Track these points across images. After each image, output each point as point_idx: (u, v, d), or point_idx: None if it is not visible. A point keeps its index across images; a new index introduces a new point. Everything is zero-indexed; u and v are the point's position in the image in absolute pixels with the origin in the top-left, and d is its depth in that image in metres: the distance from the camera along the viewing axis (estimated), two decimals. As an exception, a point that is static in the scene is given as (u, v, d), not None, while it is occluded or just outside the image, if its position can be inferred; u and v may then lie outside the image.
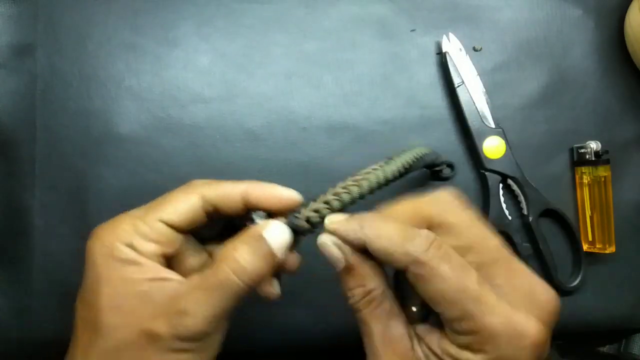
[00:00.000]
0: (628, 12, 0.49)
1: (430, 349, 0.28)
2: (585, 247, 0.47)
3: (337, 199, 0.32)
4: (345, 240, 0.29)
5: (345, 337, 0.45)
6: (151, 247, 0.30)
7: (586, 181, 0.47)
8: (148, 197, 0.44)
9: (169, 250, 0.30)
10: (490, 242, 0.29)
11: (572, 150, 0.48)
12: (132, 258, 0.29)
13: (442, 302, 0.26)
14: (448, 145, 0.47)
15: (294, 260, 0.33)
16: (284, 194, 0.31)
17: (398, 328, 0.29)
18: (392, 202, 0.31)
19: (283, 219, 0.31)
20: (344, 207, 0.32)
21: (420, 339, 0.29)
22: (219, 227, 0.34)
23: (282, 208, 0.31)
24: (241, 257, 0.28)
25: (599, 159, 0.47)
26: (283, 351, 0.46)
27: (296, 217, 0.31)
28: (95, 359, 0.28)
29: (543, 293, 0.28)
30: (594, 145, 0.47)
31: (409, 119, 0.47)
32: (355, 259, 0.29)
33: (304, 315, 0.45)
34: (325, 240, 0.30)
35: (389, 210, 0.30)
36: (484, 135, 0.46)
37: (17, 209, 0.43)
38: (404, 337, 0.29)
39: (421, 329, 0.29)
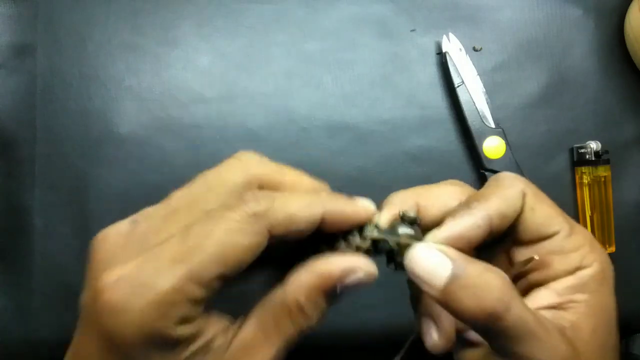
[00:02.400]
0: (628, 12, 0.49)
1: (551, 307, 0.25)
2: (585, 247, 0.47)
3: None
4: (468, 237, 0.24)
5: (345, 337, 0.45)
6: (202, 309, 0.21)
7: (586, 181, 0.47)
8: (148, 197, 0.44)
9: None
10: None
11: (572, 150, 0.48)
12: (187, 336, 0.21)
13: (555, 223, 0.25)
14: (448, 145, 0.47)
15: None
16: (369, 210, 0.26)
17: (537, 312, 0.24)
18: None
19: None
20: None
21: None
22: None
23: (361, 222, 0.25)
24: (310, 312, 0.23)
25: (599, 159, 0.47)
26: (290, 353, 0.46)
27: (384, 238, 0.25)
28: None
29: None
30: (594, 145, 0.47)
31: (409, 119, 0.47)
32: (460, 254, 0.23)
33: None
34: (425, 246, 0.23)
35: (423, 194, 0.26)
36: (484, 135, 0.46)
37: (17, 209, 0.43)
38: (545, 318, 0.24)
39: (528, 302, 0.24)
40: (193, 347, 0.21)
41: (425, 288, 0.23)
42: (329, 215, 0.24)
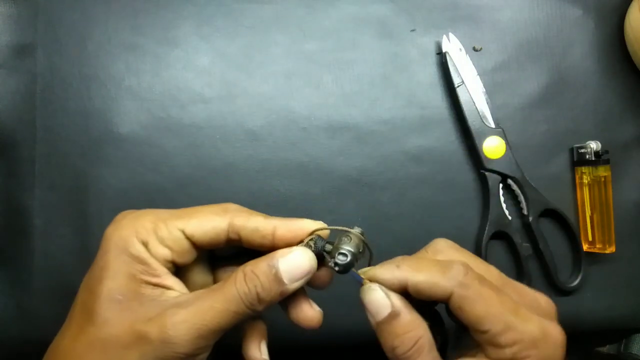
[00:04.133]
0: (628, 12, 0.49)
1: None
2: (585, 247, 0.47)
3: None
4: (385, 283, 0.29)
5: (345, 337, 0.45)
6: (164, 252, 0.30)
7: (586, 181, 0.47)
8: (148, 197, 0.45)
9: (180, 260, 0.30)
10: (493, 271, 0.30)
11: (572, 150, 0.48)
12: (143, 257, 0.29)
13: (488, 319, 0.27)
14: (448, 145, 0.47)
15: (325, 276, 0.32)
16: (310, 226, 0.30)
17: None
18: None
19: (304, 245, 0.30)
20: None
21: None
22: (234, 249, 0.33)
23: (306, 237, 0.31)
24: (251, 283, 0.29)
25: (599, 159, 0.47)
26: (283, 351, 0.46)
27: (320, 242, 0.30)
28: (82, 346, 0.28)
29: (545, 301, 0.30)
30: (594, 145, 0.47)
31: (409, 119, 0.47)
32: (401, 303, 0.29)
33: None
34: (374, 286, 0.29)
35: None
36: (484, 135, 0.46)
37: (17, 209, 0.44)
38: None
39: None
40: (149, 277, 0.29)
41: (368, 316, 0.29)
42: (280, 230, 0.30)
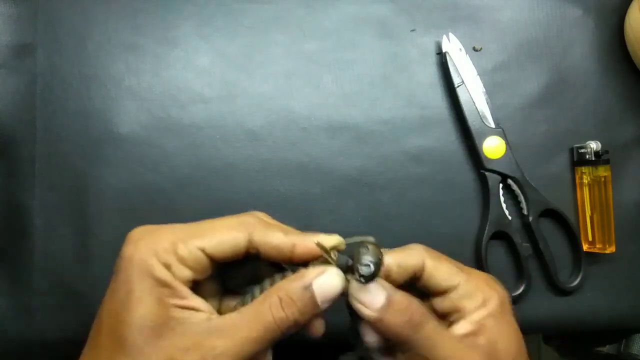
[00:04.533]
0: (628, 12, 0.49)
1: (469, 334, 0.32)
2: (585, 247, 0.47)
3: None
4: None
5: (345, 337, 0.45)
6: (186, 273, 0.29)
7: (586, 181, 0.47)
8: (148, 197, 0.45)
9: (199, 277, 0.30)
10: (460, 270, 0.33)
11: (572, 150, 0.48)
12: (169, 281, 0.28)
13: (454, 277, 0.32)
14: (448, 145, 0.47)
15: (320, 325, 0.32)
16: (328, 242, 0.30)
17: (452, 334, 0.32)
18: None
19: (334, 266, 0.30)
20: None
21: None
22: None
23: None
24: (288, 309, 0.28)
25: (599, 159, 0.47)
26: (283, 351, 0.46)
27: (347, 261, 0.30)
28: None
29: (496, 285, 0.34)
30: (594, 145, 0.47)
31: (409, 119, 0.47)
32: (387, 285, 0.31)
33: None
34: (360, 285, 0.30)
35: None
36: (484, 135, 0.46)
37: (17, 209, 0.43)
38: (461, 338, 0.32)
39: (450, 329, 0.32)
40: (176, 300, 0.28)
41: (365, 312, 0.30)
42: (299, 246, 0.30)
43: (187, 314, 0.28)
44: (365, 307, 0.30)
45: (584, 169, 0.47)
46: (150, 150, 0.45)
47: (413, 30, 0.48)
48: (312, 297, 0.29)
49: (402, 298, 0.30)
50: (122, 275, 0.28)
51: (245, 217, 0.31)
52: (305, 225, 0.45)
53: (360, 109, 0.47)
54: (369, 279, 0.29)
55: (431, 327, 0.30)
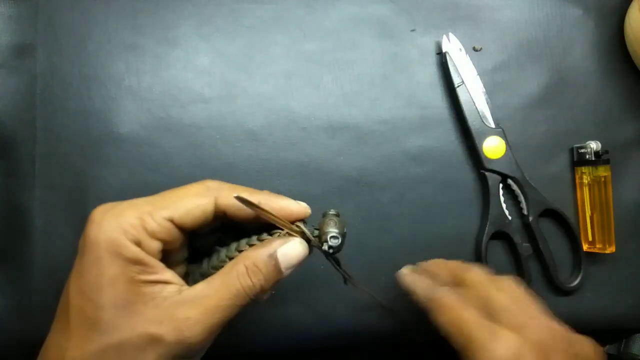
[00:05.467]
0: (628, 12, 0.49)
1: None
2: (585, 247, 0.47)
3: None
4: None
5: (345, 337, 0.45)
6: (156, 245, 0.29)
7: (586, 181, 0.47)
8: (148, 197, 0.45)
9: (170, 248, 0.30)
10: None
11: (572, 150, 0.48)
12: (140, 258, 0.28)
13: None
14: (448, 145, 0.47)
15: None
16: (295, 209, 0.31)
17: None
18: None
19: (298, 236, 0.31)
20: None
21: None
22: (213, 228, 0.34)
23: (291, 219, 0.32)
24: (255, 277, 0.29)
25: (599, 159, 0.47)
26: (283, 351, 0.46)
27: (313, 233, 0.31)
28: (93, 354, 0.28)
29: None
30: (594, 145, 0.47)
31: (409, 119, 0.47)
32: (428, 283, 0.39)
33: (303, 315, 0.45)
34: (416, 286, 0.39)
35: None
36: (484, 135, 0.46)
37: (17, 209, 0.43)
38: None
39: None
40: (147, 276, 0.28)
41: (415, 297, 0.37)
42: (264, 205, 0.30)
43: (158, 287, 0.29)
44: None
45: (584, 169, 0.47)
46: (150, 150, 0.45)
47: (413, 30, 0.48)
48: (277, 265, 0.30)
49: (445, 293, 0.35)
50: (90, 256, 0.28)
51: (208, 182, 0.31)
52: (306, 225, 0.45)
53: (360, 109, 0.47)
54: (336, 250, 0.31)
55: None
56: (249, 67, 0.46)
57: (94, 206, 0.44)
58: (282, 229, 0.31)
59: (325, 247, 0.31)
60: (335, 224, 0.31)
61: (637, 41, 0.47)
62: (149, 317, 0.28)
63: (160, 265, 0.29)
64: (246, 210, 0.30)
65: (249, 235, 0.32)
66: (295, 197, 0.46)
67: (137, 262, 0.28)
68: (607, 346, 0.51)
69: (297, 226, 0.31)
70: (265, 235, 0.31)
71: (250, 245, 0.31)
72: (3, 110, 0.44)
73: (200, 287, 0.29)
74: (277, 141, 0.46)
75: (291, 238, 0.31)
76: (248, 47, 0.47)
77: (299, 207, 0.32)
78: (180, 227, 0.30)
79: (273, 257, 0.30)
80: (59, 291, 0.43)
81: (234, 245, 0.32)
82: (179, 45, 0.46)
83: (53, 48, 0.45)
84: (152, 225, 0.29)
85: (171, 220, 0.29)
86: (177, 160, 0.45)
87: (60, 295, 0.43)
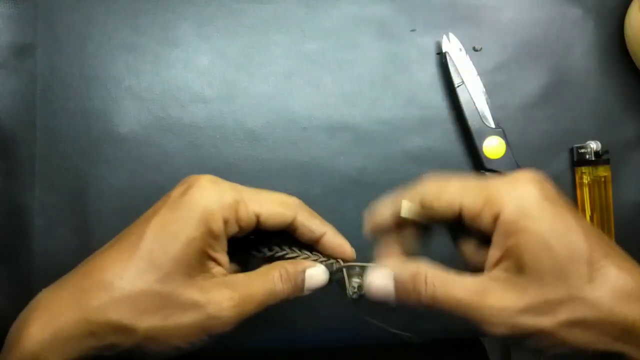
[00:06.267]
0: (628, 12, 0.49)
1: (501, 259, 0.30)
2: (585, 247, 0.47)
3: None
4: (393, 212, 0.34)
5: (345, 337, 0.45)
6: (235, 230, 0.32)
7: (586, 181, 0.47)
8: (148, 197, 0.44)
9: (239, 235, 0.33)
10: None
11: (572, 150, 0.48)
12: (219, 235, 0.31)
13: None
14: (448, 145, 0.47)
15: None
16: (348, 252, 0.34)
17: (465, 279, 0.30)
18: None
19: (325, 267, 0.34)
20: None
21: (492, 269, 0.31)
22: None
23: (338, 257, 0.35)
24: (287, 284, 0.33)
25: (599, 159, 0.47)
26: (283, 351, 0.46)
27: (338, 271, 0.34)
28: (141, 296, 0.29)
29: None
30: (594, 145, 0.47)
31: (409, 119, 0.47)
32: (395, 264, 0.33)
33: (303, 315, 0.45)
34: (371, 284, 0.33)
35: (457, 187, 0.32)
36: (484, 135, 0.46)
37: (17, 209, 0.43)
38: (476, 277, 0.30)
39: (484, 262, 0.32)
40: (214, 252, 0.31)
41: (384, 299, 0.32)
42: (328, 238, 0.35)
43: (212, 264, 0.31)
44: (382, 295, 0.32)
45: (584, 169, 0.47)
46: (150, 150, 0.45)
47: (413, 30, 0.48)
48: (302, 281, 0.33)
49: (409, 277, 0.31)
50: (184, 212, 0.31)
51: (296, 199, 0.34)
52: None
53: (360, 109, 0.47)
54: (357, 299, 0.34)
55: (437, 285, 0.30)
56: (249, 67, 0.46)
57: (94, 206, 0.44)
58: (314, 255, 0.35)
59: (349, 292, 0.33)
60: (357, 273, 0.34)
61: (637, 41, 0.47)
62: (198, 285, 0.30)
63: (225, 247, 0.32)
64: (313, 234, 0.34)
65: (280, 245, 0.35)
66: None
67: (216, 237, 0.31)
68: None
69: (336, 262, 0.34)
70: (296, 251, 0.35)
71: (283, 256, 0.35)
72: (3, 110, 0.44)
73: (242, 277, 0.32)
74: (277, 141, 0.46)
75: (318, 264, 0.34)
76: (248, 47, 0.47)
77: (350, 251, 0.34)
78: (260, 223, 0.32)
79: (302, 275, 0.33)
80: (59, 291, 0.43)
81: (276, 249, 0.35)
82: (179, 45, 0.46)
83: (53, 48, 0.45)
84: (243, 212, 0.32)
85: (257, 216, 0.32)
86: (177, 160, 0.45)
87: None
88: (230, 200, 0.31)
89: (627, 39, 0.49)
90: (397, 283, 0.31)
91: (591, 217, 0.47)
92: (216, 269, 0.32)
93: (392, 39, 0.48)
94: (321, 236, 0.34)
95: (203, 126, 0.45)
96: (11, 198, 0.44)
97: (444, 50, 0.47)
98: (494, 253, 0.30)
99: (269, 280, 0.32)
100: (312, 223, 0.34)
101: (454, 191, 0.31)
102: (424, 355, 0.50)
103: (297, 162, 0.46)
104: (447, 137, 0.47)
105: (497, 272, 0.29)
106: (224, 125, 0.45)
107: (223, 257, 0.32)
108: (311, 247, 0.35)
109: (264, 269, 0.33)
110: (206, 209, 0.31)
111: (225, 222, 0.31)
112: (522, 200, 0.29)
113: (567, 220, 0.29)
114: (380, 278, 0.32)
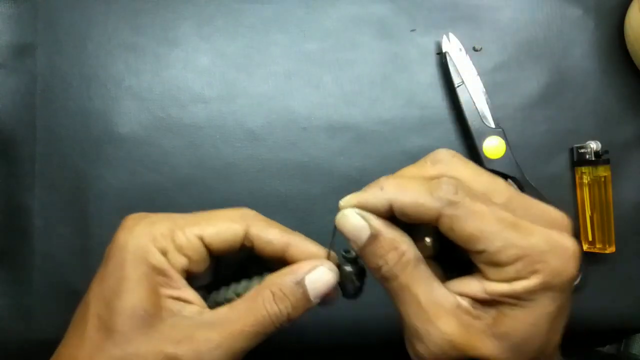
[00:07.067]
0: (628, 12, 0.49)
1: (475, 299, 0.26)
2: (585, 247, 0.47)
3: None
4: (368, 207, 0.27)
5: (345, 337, 0.45)
6: (182, 261, 0.28)
7: (586, 181, 0.47)
8: (148, 197, 0.45)
9: (195, 269, 0.29)
10: (500, 184, 0.28)
11: (572, 150, 0.48)
12: (164, 268, 0.27)
13: (483, 237, 0.25)
14: (448, 145, 0.47)
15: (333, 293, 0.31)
16: (319, 255, 0.30)
17: (440, 288, 0.27)
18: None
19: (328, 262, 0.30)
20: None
21: (459, 295, 0.27)
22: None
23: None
24: (282, 304, 0.28)
25: (599, 159, 0.47)
26: (283, 351, 0.46)
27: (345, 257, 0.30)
28: None
29: (557, 214, 0.28)
30: (594, 145, 0.47)
31: (409, 119, 0.47)
32: (380, 223, 0.27)
33: (304, 315, 0.45)
34: (348, 212, 0.28)
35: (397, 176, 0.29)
36: (484, 135, 0.46)
37: (17, 209, 0.43)
38: (449, 295, 0.27)
39: (454, 284, 0.27)
40: (170, 290, 0.28)
41: (352, 245, 0.28)
42: (293, 248, 0.30)
43: (179, 305, 0.28)
44: (348, 239, 0.28)
45: (584, 169, 0.47)
46: (150, 150, 0.45)
47: (413, 30, 0.48)
48: (305, 293, 0.28)
49: (390, 239, 0.27)
50: (115, 260, 0.27)
51: (244, 210, 0.30)
52: (306, 225, 0.45)
53: (360, 109, 0.47)
54: (358, 291, 0.30)
55: (408, 279, 0.27)
56: (249, 67, 0.46)
57: (94, 206, 0.44)
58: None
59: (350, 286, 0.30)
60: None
61: (637, 41, 0.47)
62: (167, 335, 0.27)
63: (183, 282, 0.28)
64: (274, 246, 0.29)
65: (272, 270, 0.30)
66: (295, 197, 0.46)
67: (161, 272, 0.27)
68: (607, 346, 0.51)
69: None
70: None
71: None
72: (3, 110, 0.44)
73: (224, 311, 0.28)
74: (277, 141, 0.46)
75: (318, 265, 0.29)
76: (248, 47, 0.47)
77: (324, 255, 0.30)
78: (208, 247, 0.29)
79: (301, 285, 0.28)
80: (59, 291, 0.43)
81: (256, 279, 0.30)
82: (179, 45, 0.46)
83: (53, 48, 0.45)
84: (182, 239, 0.28)
85: (201, 239, 0.28)
86: (177, 160, 0.45)
87: (60, 295, 0.44)
88: (162, 230, 0.28)
89: (627, 39, 0.49)
90: (375, 239, 0.27)
91: (591, 217, 0.47)
92: (188, 310, 0.28)
93: (392, 39, 0.48)
94: (285, 247, 0.29)
95: (203, 126, 0.45)
96: (11, 198, 0.44)
97: (444, 50, 0.47)
98: (478, 288, 0.26)
99: (257, 307, 0.28)
100: (268, 233, 0.29)
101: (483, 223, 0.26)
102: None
103: (297, 162, 0.46)
104: (447, 137, 0.47)
105: (480, 315, 0.26)
106: (224, 125, 0.45)
107: (189, 294, 0.28)
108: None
109: (253, 292, 0.29)
110: (136, 247, 0.27)
111: (164, 253, 0.28)
112: (563, 287, 0.26)
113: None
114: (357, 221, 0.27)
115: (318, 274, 0.29)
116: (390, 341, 0.47)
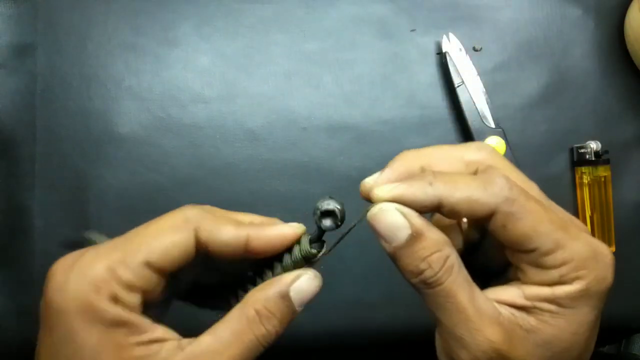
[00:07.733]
0: (628, 12, 0.49)
1: (514, 305, 0.25)
2: (585, 247, 0.47)
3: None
4: (415, 204, 0.25)
5: (345, 337, 0.45)
6: (136, 300, 0.24)
7: (586, 181, 0.47)
8: (148, 197, 0.45)
9: (151, 297, 0.25)
10: (535, 188, 0.26)
11: (572, 150, 0.48)
12: (121, 318, 0.23)
13: (535, 236, 0.24)
14: (448, 145, 0.47)
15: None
16: (289, 234, 0.27)
17: (481, 294, 0.25)
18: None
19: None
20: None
21: (498, 302, 0.25)
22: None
23: (287, 245, 0.27)
24: (269, 323, 0.25)
25: (599, 159, 0.47)
26: (283, 351, 0.46)
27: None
28: None
29: (579, 221, 0.27)
30: (594, 145, 0.47)
31: (409, 119, 0.47)
32: (422, 222, 0.24)
33: (304, 315, 0.45)
34: (387, 207, 0.25)
35: (432, 155, 0.27)
36: (484, 135, 0.46)
37: (17, 209, 0.43)
38: (489, 301, 0.25)
39: (492, 291, 0.26)
40: (137, 337, 0.23)
41: (382, 243, 0.25)
42: (254, 239, 0.26)
43: (154, 348, 0.24)
44: (381, 237, 0.25)
45: (584, 169, 0.47)
46: (150, 150, 0.45)
47: (413, 30, 0.48)
48: (291, 306, 0.26)
49: (434, 240, 0.24)
50: (61, 330, 0.23)
51: (187, 210, 0.26)
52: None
53: (360, 109, 0.47)
54: (334, 223, 0.28)
55: (450, 286, 0.24)
56: (249, 67, 0.46)
57: (94, 206, 0.44)
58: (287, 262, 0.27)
59: (325, 223, 0.28)
60: (330, 200, 0.28)
61: (637, 41, 0.47)
62: None
63: (147, 321, 0.24)
64: (232, 247, 0.26)
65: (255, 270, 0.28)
66: (295, 197, 0.46)
67: (120, 323, 0.23)
68: (607, 346, 0.51)
69: (296, 247, 0.27)
70: (279, 270, 0.27)
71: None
72: (3, 110, 0.44)
73: (206, 340, 0.24)
74: (277, 141, 0.46)
75: (303, 272, 0.26)
76: (248, 47, 0.47)
77: (292, 230, 0.27)
78: (160, 272, 0.25)
79: (286, 298, 0.26)
80: (59, 291, 0.43)
81: (240, 293, 0.27)
82: (179, 45, 0.46)
83: (53, 48, 0.45)
84: (127, 275, 0.23)
85: (148, 265, 0.24)
86: (177, 160, 0.45)
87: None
88: (100, 273, 0.23)
89: (627, 39, 0.49)
90: (417, 240, 0.24)
91: (591, 217, 0.47)
92: (165, 349, 0.24)
93: (392, 39, 0.48)
94: (245, 244, 0.26)
95: (203, 126, 0.45)
96: (11, 198, 0.44)
97: (444, 50, 0.47)
98: (516, 295, 0.25)
99: (243, 331, 0.25)
100: (220, 234, 0.25)
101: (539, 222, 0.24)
102: (425, 354, 0.50)
103: (297, 162, 0.46)
104: (447, 137, 0.47)
105: (522, 323, 0.25)
106: (224, 125, 0.45)
107: (159, 332, 0.24)
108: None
109: (233, 314, 0.25)
110: (77, 306, 0.23)
111: (114, 300, 0.23)
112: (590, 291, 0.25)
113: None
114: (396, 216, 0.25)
115: (303, 283, 0.26)
116: (390, 341, 0.47)
